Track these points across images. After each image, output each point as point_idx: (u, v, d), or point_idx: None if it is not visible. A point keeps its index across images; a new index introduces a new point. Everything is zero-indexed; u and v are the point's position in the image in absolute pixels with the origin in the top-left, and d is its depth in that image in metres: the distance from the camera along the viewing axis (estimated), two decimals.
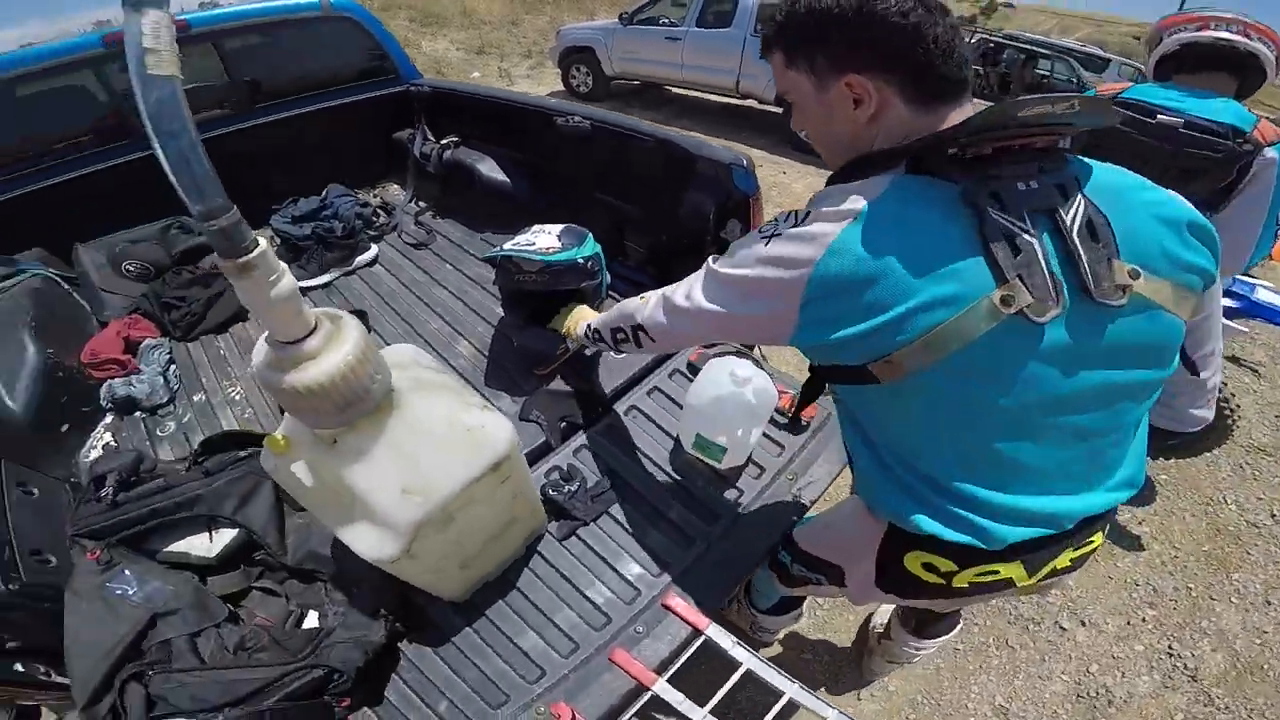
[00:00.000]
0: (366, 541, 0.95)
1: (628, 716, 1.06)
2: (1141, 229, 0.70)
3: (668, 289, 0.95)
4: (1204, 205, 1.14)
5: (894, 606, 1.53)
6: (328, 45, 2.57)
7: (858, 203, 0.69)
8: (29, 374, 1.58)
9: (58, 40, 2.07)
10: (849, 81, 0.73)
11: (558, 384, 1.63)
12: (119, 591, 1.07)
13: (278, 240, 2.25)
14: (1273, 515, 2.47)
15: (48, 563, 1.16)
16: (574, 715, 1.04)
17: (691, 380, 1.44)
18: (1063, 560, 0.84)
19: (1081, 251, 0.66)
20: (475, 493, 1.01)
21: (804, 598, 1.51)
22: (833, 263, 0.68)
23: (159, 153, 0.61)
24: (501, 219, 2.37)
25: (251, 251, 0.70)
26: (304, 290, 1.84)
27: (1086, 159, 0.74)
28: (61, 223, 2.06)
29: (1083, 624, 1.95)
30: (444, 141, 2.56)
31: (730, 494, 1.40)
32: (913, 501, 0.78)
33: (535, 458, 1.47)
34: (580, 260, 1.58)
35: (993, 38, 9.24)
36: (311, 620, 1.18)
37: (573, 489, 1.37)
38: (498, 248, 1.62)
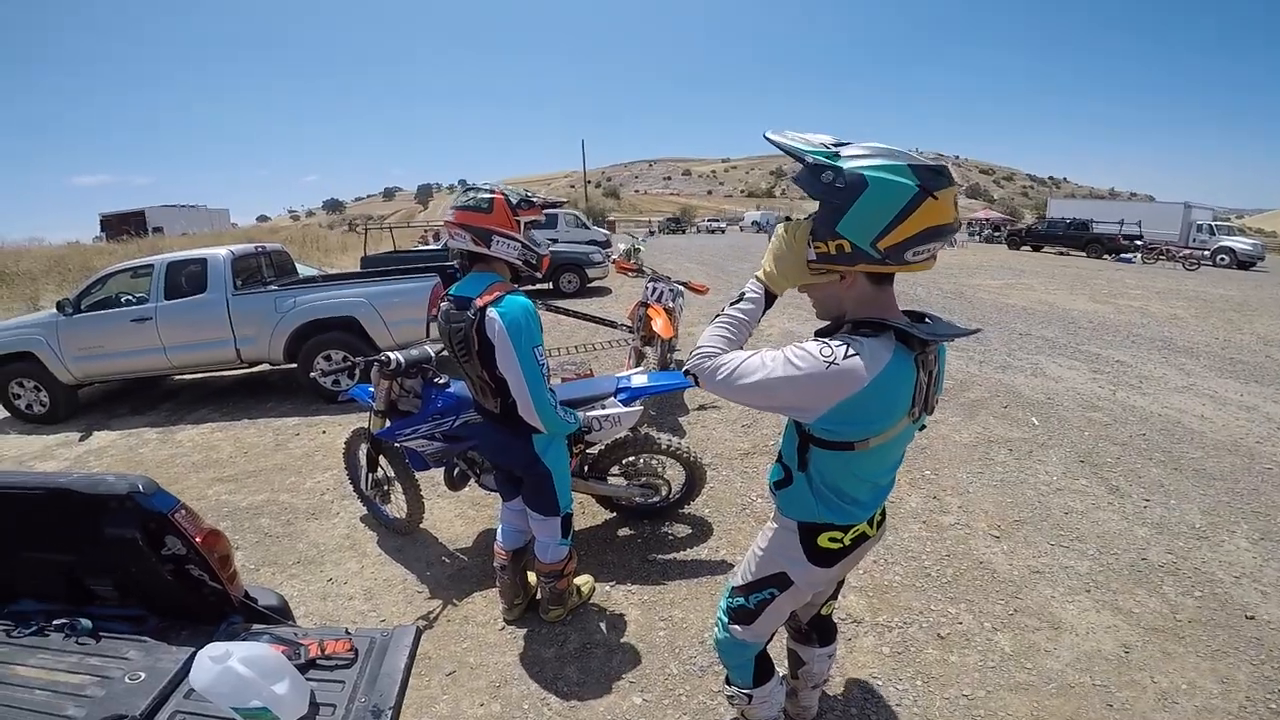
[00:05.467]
0: None
1: None
2: (942, 375, 1.34)
3: (741, 368, 1.22)
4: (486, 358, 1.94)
5: (789, 651, 1.91)
6: None
7: (884, 356, 1.15)
8: None
9: None
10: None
11: (87, 718, 1.47)
12: None
13: None
14: None
15: None
16: None
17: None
18: (875, 518, 1.46)
19: (932, 390, 1.28)
20: None
21: (771, 661, 1.71)
22: (868, 389, 1.14)
23: None
24: None
25: None
26: None
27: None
28: None
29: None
30: None
31: None
32: (827, 508, 1.35)
33: None
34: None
35: None
36: None
37: None
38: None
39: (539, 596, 2.56)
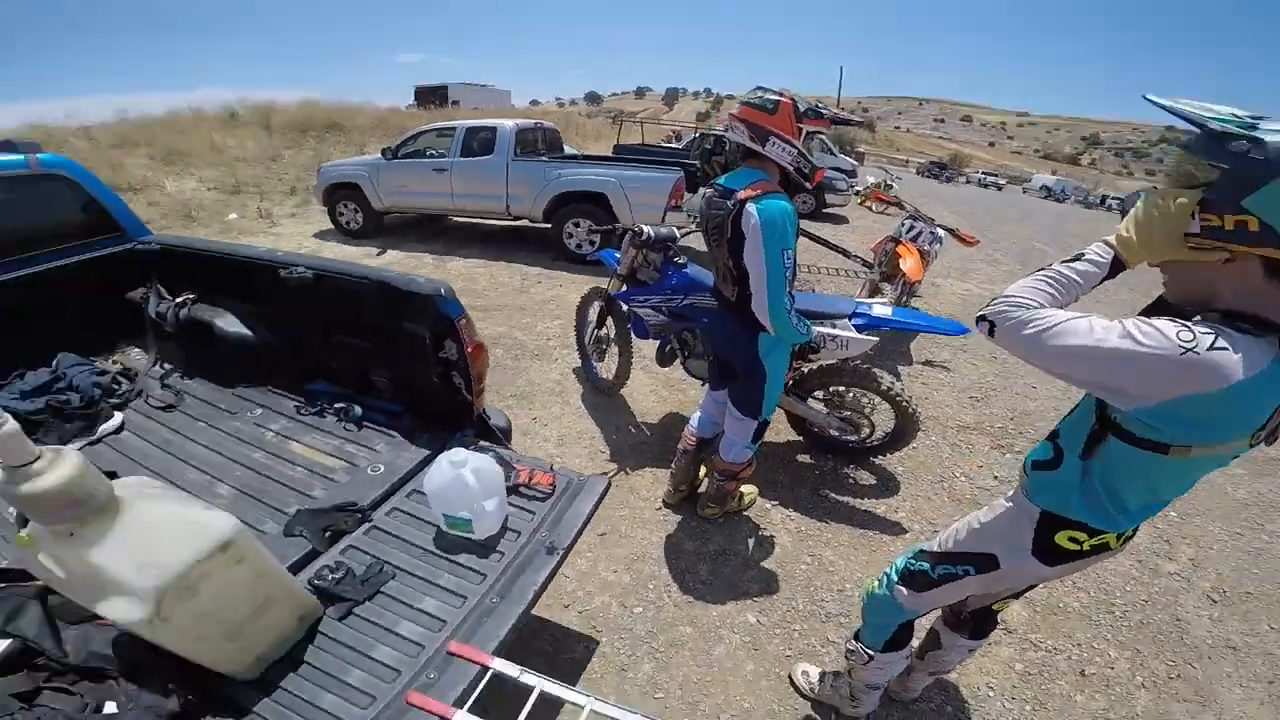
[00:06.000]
0: (119, 609, 1.10)
1: None
2: None
3: (1061, 327, 1.05)
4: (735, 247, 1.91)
5: (930, 630, 1.79)
6: (41, 205, 2.34)
7: (1259, 361, 0.93)
8: None
9: None
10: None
11: (324, 502, 1.74)
12: None
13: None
14: (995, 478, 3.19)
15: None
16: None
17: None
18: (1126, 533, 1.26)
19: None
20: (210, 569, 1.17)
21: (912, 633, 1.65)
22: (1225, 392, 0.93)
23: None
24: (249, 372, 2.35)
25: None
26: None
27: None
28: None
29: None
30: (179, 299, 2.40)
31: (494, 557, 1.60)
32: (1089, 506, 1.20)
33: (305, 561, 1.60)
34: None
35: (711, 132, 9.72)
36: (110, 708, 1.18)
37: (339, 576, 1.52)
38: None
39: (702, 490, 2.65)
